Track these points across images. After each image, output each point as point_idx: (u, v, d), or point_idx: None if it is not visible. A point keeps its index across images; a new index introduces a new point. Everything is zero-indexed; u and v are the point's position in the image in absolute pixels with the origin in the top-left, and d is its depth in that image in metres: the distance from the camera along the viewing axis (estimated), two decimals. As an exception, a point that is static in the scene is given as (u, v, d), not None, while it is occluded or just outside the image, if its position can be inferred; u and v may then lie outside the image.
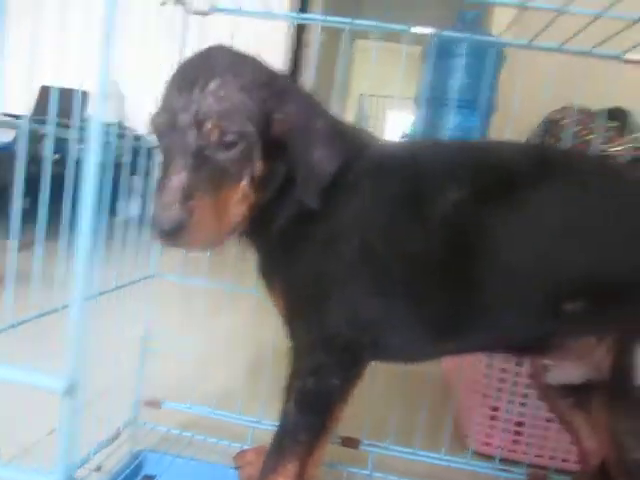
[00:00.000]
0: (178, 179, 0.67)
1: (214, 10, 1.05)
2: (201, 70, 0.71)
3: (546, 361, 0.87)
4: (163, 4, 0.98)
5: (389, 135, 8.53)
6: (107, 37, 0.39)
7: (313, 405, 0.79)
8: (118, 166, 1.12)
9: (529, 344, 0.81)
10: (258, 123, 0.71)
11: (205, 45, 1.00)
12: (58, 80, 0.81)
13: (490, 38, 1.12)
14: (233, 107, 0.70)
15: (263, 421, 1.14)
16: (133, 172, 1.12)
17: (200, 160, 0.68)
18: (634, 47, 0.95)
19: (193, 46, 0.95)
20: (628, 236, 0.73)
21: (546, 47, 1.03)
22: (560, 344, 0.79)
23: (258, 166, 0.73)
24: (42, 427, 1.04)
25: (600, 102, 1.53)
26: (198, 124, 0.68)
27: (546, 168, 0.76)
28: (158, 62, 0.96)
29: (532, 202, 0.74)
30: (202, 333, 1.22)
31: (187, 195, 0.66)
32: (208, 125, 0.68)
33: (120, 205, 1.11)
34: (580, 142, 1.49)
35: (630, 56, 0.96)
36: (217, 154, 0.70)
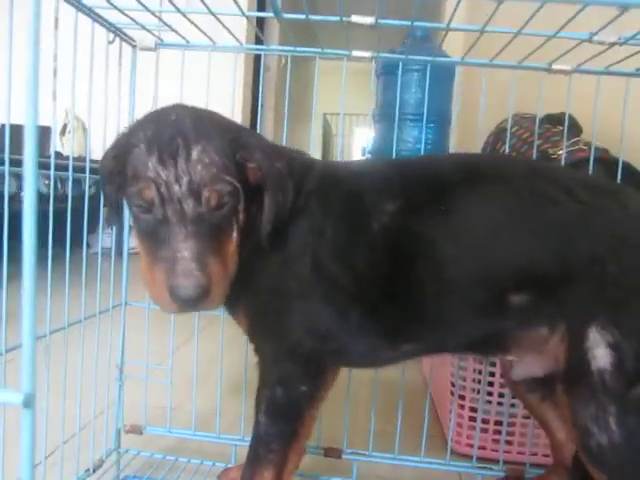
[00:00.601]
0: (187, 247, 0.70)
1: (161, 46, 1.09)
2: (177, 137, 0.73)
3: (509, 358, 0.91)
4: (111, 43, 1.02)
5: (356, 151, 8.68)
6: (33, 76, 0.41)
7: (283, 413, 0.83)
8: (87, 199, 1.14)
9: (486, 342, 0.85)
10: (238, 178, 0.76)
11: (157, 77, 1.05)
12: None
13: (421, 57, 1.17)
14: (219, 170, 0.73)
15: (246, 438, 1.16)
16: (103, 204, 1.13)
17: (199, 225, 0.71)
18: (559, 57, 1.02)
19: (147, 77, 0.99)
20: (553, 228, 0.79)
21: (478, 63, 1.10)
22: (515, 339, 0.83)
23: (242, 216, 0.78)
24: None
25: (549, 109, 1.62)
26: (195, 193, 0.71)
27: (475, 176, 0.83)
28: (110, 95, 0.99)
29: (462, 207, 0.81)
30: (177, 358, 1.24)
31: (202, 261, 0.70)
32: (205, 193, 0.72)
33: (91, 238, 1.13)
34: (528, 148, 1.57)
35: (556, 66, 1.03)
36: (212, 216, 0.73)
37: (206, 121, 0.78)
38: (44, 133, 0.87)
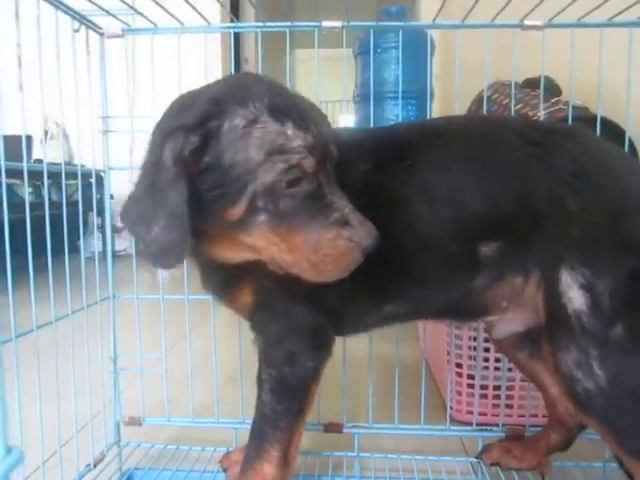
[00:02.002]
0: (345, 202, 0.71)
1: (129, 31, 1.06)
2: (290, 99, 0.71)
3: (489, 318, 0.90)
4: (76, 31, 1.00)
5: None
6: None
7: (291, 391, 0.83)
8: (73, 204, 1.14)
9: (465, 303, 0.85)
10: None
11: (128, 64, 1.02)
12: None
13: (393, 22, 1.16)
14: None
15: (246, 421, 1.15)
16: (90, 209, 1.13)
17: (335, 182, 0.73)
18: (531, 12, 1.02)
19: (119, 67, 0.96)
20: (511, 172, 0.79)
21: (449, 25, 1.09)
22: (491, 295, 0.83)
23: None
24: None
25: (528, 72, 1.62)
26: (330, 155, 0.72)
27: (434, 133, 0.86)
28: (80, 87, 0.96)
29: (425, 164, 0.82)
30: (173, 352, 1.24)
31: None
32: (333, 149, 0.73)
33: (81, 242, 1.12)
34: (508, 113, 1.57)
35: (528, 22, 1.03)
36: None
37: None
38: (25, 141, 0.84)
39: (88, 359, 1.04)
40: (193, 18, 1.07)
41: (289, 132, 0.67)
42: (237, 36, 4.49)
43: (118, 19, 1.05)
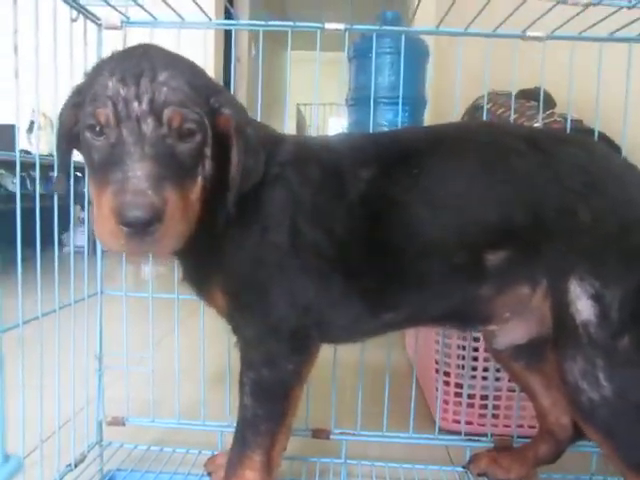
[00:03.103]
0: (142, 167, 0.62)
1: (128, 24, 1.04)
2: (143, 63, 0.68)
3: (491, 327, 0.90)
4: (74, 21, 0.97)
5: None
6: None
7: (271, 394, 0.81)
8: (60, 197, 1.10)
9: (467, 310, 0.84)
10: (209, 119, 0.71)
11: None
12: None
13: (394, 28, 1.16)
14: (187, 98, 0.68)
15: (233, 424, 1.12)
16: (75, 202, 1.09)
17: (160, 150, 0.65)
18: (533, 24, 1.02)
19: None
20: (520, 180, 0.78)
21: (452, 32, 1.09)
22: (496, 304, 0.82)
23: (208, 164, 0.73)
24: None
25: (522, 84, 1.63)
26: (156, 112, 0.65)
27: (441, 140, 0.84)
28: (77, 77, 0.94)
29: (431, 170, 0.80)
30: (159, 351, 1.22)
31: (157, 183, 0.62)
32: (168, 112, 0.66)
33: (66, 237, 1.09)
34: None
35: (530, 33, 1.03)
36: (176, 145, 0.67)
37: (179, 58, 0.74)
38: (10, 131, 0.82)
39: (73, 356, 1.01)
40: (189, 11, 1.05)
41: (109, 84, 0.67)
42: (229, 34, 4.47)
43: (117, 10, 1.03)
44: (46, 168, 0.97)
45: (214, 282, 0.82)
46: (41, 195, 0.92)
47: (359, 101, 2.53)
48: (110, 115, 0.65)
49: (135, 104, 0.65)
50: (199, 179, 0.71)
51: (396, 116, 2.45)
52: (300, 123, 7.81)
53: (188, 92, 0.68)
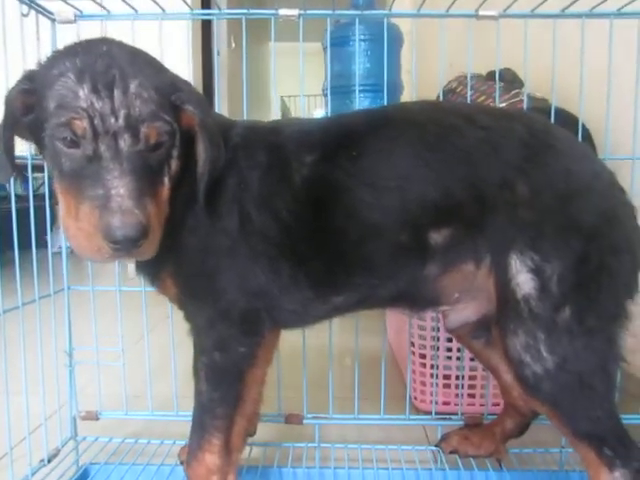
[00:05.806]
0: (124, 185, 0.64)
1: (81, 17, 1.03)
2: (112, 69, 0.68)
3: (441, 308, 0.91)
4: (25, 16, 0.96)
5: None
6: None
7: (224, 378, 0.82)
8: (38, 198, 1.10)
9: (416, 292, 0.84)
10: (174, 120, 0.72)
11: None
12: None
13: (347, 11, 1.16)
14: (158, 108, 0.69)
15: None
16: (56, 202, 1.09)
17: (137, 164, 0.67)
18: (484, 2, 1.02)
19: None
20: (460, 157, 0.78)
21: (405, 14, 1.10)
22: (443, 283, 0.83)
23: (174, 164, 0.74)
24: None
25: (492, 63, 1.63)
26: (133, 128, 0.67)
27: (383, 122, 0.84)
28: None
29: (372, 152, 0.80)
30: (134, 350, 1.23)
31: (140, 200, 0.65)
32: (144, 129, 0.67)
33: (49, 237, 1.09)
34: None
35: (483, 12, 1.03)
36: (149, 156, 0.69)
37: (141, 56, 0.74)
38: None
39: (41, 352, 1.02)
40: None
41: (81, 92, 0.66)
42: (208, 26, 4.43)
43: (68, 4, 1.02)
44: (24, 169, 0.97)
45: (165, 269, 0.82)
46: (20, 196, 0.91)
47: (335, 90, 2.52)
48: (87, 129, 0.66)
49: (112, 120, 0.66)
50: (166, 180, 0.73)
51: (372, 103, 2.45)
52: (285, 115, 7.78)
53: (157, 100, 0.70)
